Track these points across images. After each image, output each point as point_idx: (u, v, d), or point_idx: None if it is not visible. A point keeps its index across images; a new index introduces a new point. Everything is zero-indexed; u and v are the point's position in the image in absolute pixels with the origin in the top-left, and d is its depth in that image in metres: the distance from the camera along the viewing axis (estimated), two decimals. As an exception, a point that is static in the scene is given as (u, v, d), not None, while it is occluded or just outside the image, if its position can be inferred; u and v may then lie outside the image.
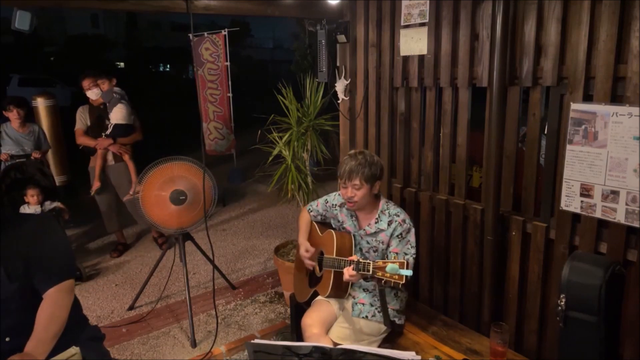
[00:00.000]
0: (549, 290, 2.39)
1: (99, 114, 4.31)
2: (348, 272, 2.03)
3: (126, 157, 4.30)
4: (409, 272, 1.84)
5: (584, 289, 1.95)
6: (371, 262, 1.94)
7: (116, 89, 4.27)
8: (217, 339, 3.10)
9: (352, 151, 2.30)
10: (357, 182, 2.19)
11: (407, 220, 2.27)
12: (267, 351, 1.46)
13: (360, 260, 2.00)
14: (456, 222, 2.77)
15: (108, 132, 4.24)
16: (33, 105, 5.48)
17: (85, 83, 4.25)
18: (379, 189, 2.31)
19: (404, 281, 1.85)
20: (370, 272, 1.93)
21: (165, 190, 3.19)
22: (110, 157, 4.30)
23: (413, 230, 2.27)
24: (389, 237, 2.26)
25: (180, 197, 3.19)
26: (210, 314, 3.43)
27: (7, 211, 3.73)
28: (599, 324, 1.94)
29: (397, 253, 2.21)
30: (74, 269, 3.18)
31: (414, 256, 2.23)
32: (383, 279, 1.90)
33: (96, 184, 4.27)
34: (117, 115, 4.24)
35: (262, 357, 1.46)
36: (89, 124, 4.29)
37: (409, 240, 2.24)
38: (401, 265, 1.85)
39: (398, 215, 2.27)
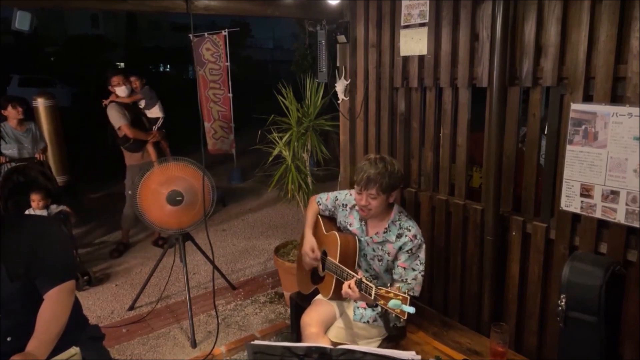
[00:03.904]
0: (549, 291, 2.39)
1: (135, 110, 4.40)
2: (349, 285, 1.95)
3: (168, 151, 4.49)
4: (412, 310, 1.73)
5: (584, 290, 1.95)
6: (374, 287, 1.84)
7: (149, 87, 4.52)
8: (217, 339, 3.10)
9: (372, 156, 2.18)
10: (373, 191, 2.09)
11: (419, 236, 2.18)
12: (266, 352, 1.46)
13: (364, 280, 1.91)
14: (456, 222, 2.77)
15: (159, 124, 4.46)
16: (33, 105, 5.49)
17: (116, 79, 4.26)
18: (395, 198, 2.22)
19: (405, 317, 1.76)
20: (372, 297, 1.84)
21: (162, 190, 3.18)
22: (156, 152, 4.41)
23: (424, 246, 2.19)
24: (396, 250, 2.19)
25: (177, 198, 3.17)
26: (210, 314, 3.43)
27: (10, 214, 3.74)
28: (599, 324, 1.94)
29: (404, 268, 2.16)
30: (75, 270, 3.18)
31: (422, 273, 2.17)
32: (384, 309, 1.82)
33: None
34: (160, 110, 4.49)
35: (262, 358, 1.46)
36: (129, 119, 4.31)
37: (418, 257, 2.17)
38: (404, 301, 1.74)
39: (409, 230, 2.18)
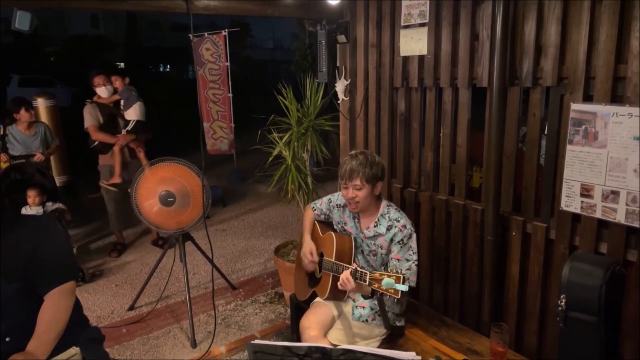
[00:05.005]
0: (549, 291, 2.39)
1: (110, 112, 4.32)
2: (344, 276, 2.01)
3: (142, 155, 4.34)
4: (405, 288, 1.81)
5: (584, 289, 1.95)
6: (368, 272, 1.91)
7: (132, 87, 4.32)
8: (217, 339, 3.10)
9: (353, 151, 2.27)
10: (358, 182, 2.16)
11: (408, 226, 2.22)
12: (267, 351, 1.46)
13: (358, 268, 1.98)
14: (456, 222, 2.77)
15: (129, 127, 4.26)
16: (33, 105, 5.48)
17: (98, 80, 4.24)
18: (380, 190, 2.28)
19: (399, 296, 1.82)
20: (367, 283, 1.90)
21: (155, 191, 3.17)
22: (126, 153, 4.32)
23: (415, 235, 2.23)
24: (388, 242, 2.23)
25: (169, 199, 3.16)
26: (211, 314, 3.43)
27: (8, 212, 3.73)
28: (599, 324, 1.94)
29: (398, 259, 2.18)
30: (76, 271, 3.16)
31: (416, 262, 2.20)
32: (379, 292, 1.89)
33: (117, 180, 4.27)
34: (137, 112, 4.28)
35: (262, 358, 1.46)
36: (101, 121, 4.27)
37: (410, 246, 2.20)
38: (397, 280, 1.82)
39: (398, 221, 2.22)
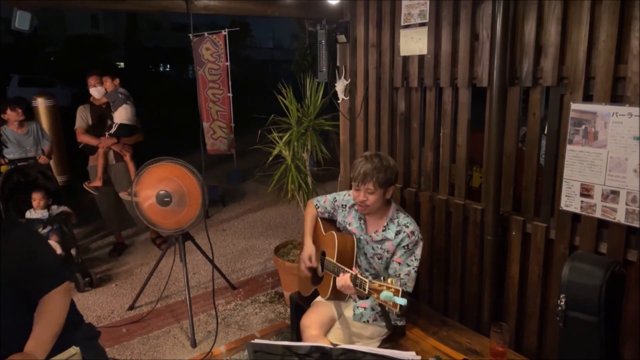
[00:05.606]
0: (549, 291, 2.39)
1: (101, 113, 4.31)
2: (344, 279, 1.99)
3: (127, 157, 4.30)
4: (403, 301, 1.76)
5: (584, 289, 1.95)
6: (367, 281, 1.88)
7: (121, 89, 4.29)
8: (217, 339, 3.10)
9: (368, 153, 2.23)
10: (370, 186, 2.12)
11: (417, 233, 2.20)
12: (267, 351, 1.46)
13: (358, 275, 1.95)
14: (456, 222, 2.77)
15: (112, 131, 4.24)
16: (33, 105, 5.48)
17: (91, 80, 4.24)
18: (392, 194, 2.25)
19: (398, 309, 1.79)
20: (366, 292, 1.88)
21: (154, 188, 3.17)
22: (111, 156, 4.31)
23: (421, 243, 2.21)
24: (394, 247, 2.21)
25: (165, 199, 3.15)
26: (211, 314, 3.43)
27: (12, 216, 3.73)
28: (599, 324, 1.94)
29: (399, 263, 2.18)
30: (69, 272, 3.15)
31: (416, 269, 2.18)
32: (377, 302, 1.86)
33: (97, 183, 4.27)
34: (122, 115, 4.24)
35: (262, 357, 1.46)
36: (90, 122, 4.28)
37: (414, 253, 2.19)
38: (396, 293, 1.78)
39: (407, 226, 2.20)
